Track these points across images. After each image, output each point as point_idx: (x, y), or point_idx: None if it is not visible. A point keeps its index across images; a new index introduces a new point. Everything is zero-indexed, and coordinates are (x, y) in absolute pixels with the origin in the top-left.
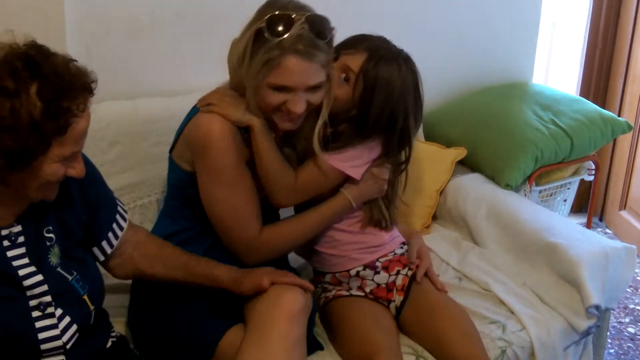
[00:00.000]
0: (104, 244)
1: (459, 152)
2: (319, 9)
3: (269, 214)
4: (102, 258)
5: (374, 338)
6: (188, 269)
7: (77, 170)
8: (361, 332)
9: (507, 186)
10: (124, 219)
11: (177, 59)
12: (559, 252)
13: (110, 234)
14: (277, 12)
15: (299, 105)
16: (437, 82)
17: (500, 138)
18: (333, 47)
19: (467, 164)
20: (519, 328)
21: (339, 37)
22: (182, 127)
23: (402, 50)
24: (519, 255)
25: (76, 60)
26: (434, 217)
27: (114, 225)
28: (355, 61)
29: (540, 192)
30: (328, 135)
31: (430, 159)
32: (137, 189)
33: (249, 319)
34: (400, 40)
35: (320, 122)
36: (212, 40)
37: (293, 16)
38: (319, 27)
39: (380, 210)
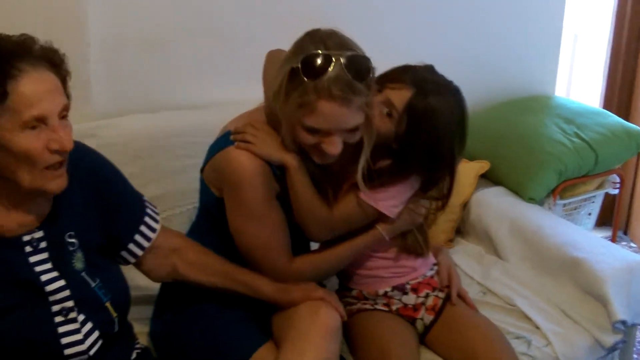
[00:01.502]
0: (132, 246)
1: (482, 166)
2: (344, 31)
3: (299, 240)
4: (132, 260)
5: (393, 353)
6: (229, 276)
7: (59, 142)
8: (381, 346)
9: (531, 200)
10: (156, 221)
11: (198, 73)
12: (584, 266)
13: (138, 237)
14: (313, 52)
15: (334, 147)
16: None
17: (523, 151)
18: (374, 86)
19: (490, 178)
20: (544, 343)
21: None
22: (213, 151)
23: (450, 82)
24: (543, 270)
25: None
26: (457, 231)
27: (143, 228)
28: (400, 97)
29: (564, 205)
30: (366, 171)
31: None
32: (159, 202)
33: (283, 333)
34: (422, 53)
35: (362, 160)
36: (233, 54)
37: (330, 56)
38: (358, 68)
39: (415, 238)
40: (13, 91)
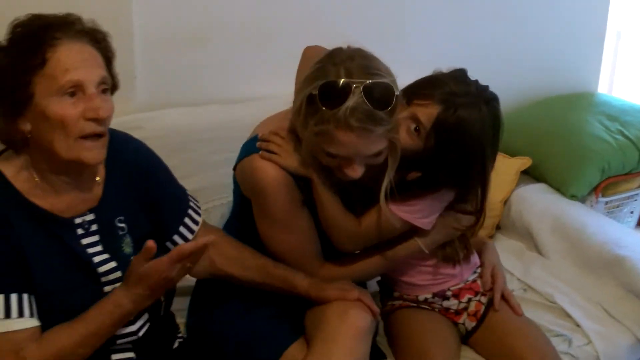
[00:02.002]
0: (177, 237)
1: (524, 162)
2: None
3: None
4: None
5: (432, 353)
6: (265, 270)
7: (94, 110)
8: (420, 345)
9: (573, 197)
10: (199, 214)
11: (238, 68)
12: (627, 265)
13: (182, 229)
14: (330, 80)
15: (354, 172)
16: (502, 92)
17: (566, 149)
18: (401, 103)
19: (531, 174)
20: (585, 342)
21: (395, 47)
22: (242, 153)
23: (484, 90)
24: (585, 268)
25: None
26: (498, 227)
27: (187, 220)
28: (427, 115)
29: (606, 203)
30: (396, 182)
31: (494, 169)
32: (198, 195)
33: (313, 332)
34: (467, 51)
35: (386, 181)
36: (272, 50)
37: (350, 85)
38: (379, 97)
39: (454, 248)
40: (51, 58)
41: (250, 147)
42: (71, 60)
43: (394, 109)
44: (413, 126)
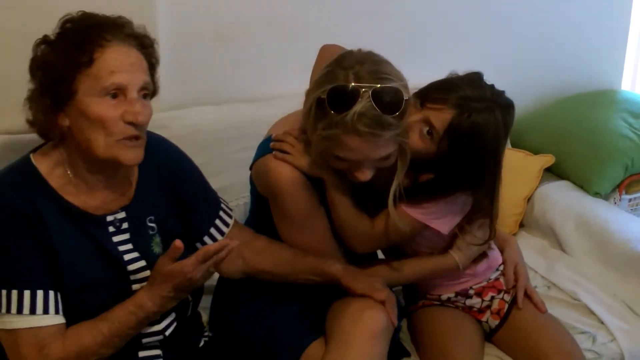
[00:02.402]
0: (207, 239)
1: (547, 160)
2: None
3: None
4: None
5: (455, 351)
6: (296, 260)
7: (133, 114)
8: (444, 343)
9: (596, 194)
10: (230, 216)
11: (263, 66)
12: None
13: (212, 230)
14: (339, 84)
15: (364, 176)
16: (525, 90)
17: (589, 146)
18: (415, 105)
19: (554, 172)
20: (609, 339)
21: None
22: (257, 153)
23: (500, 95)
24: (609, 265)
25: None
26: (521, 225)
27: (217, 222)
28: (440, 119)
29: (629, 200)
30: (408, 185)
31: (517, 166)
32: (224, 193)
33: (330, 332)
34: (488, 51)
35: (395, 184)
36: (297, 48)
37: (358, 90)
38: (388, 101)
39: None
40: (98, 58)
41: (265, 148)
42: (118, 63)
43: (402, 113)
44: (426, 129)
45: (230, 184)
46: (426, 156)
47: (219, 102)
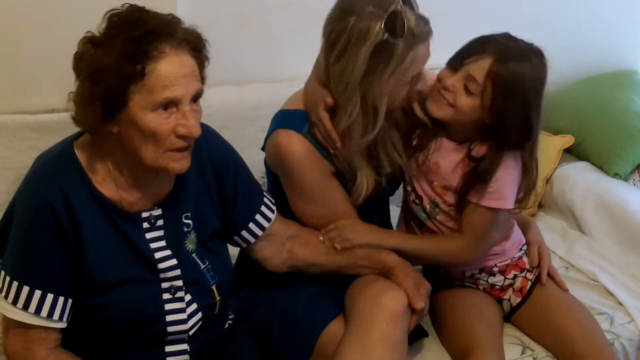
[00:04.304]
0: (245, 233)
1: (566, 140)
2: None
3: (379, 205)
4: (243, 245)
5: (475, 332)
6: (351, 250)
7: (187, 128)
8: (464, 324)
9: (616, 175)
10: (272, 211)
11: (284, 47)
12: None
13: (252, 225)
14: (386, 16)
15: (424, 83)
16: None
17: (609, 127)
18: None
19: (574, 153)
20: (627, 320)
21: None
22: (269, 131)
23: (532, 44)
24: (628, 246)
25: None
26: (540, 206)
27: (258, 217)
28: (480, 68)
29: None
30: (467, 176)
31: None
32: None
33: (350, 313)
34: (505, 30)
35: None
36: (318, 29)
37: (396, 12)
38: (411, 1)
39: None
40: (152, 71)
41: (273, 124)
42: (172, 77)
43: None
44: (469, 85)
45: (251, 163)
46: (473, 121)
47: (239, 83)
